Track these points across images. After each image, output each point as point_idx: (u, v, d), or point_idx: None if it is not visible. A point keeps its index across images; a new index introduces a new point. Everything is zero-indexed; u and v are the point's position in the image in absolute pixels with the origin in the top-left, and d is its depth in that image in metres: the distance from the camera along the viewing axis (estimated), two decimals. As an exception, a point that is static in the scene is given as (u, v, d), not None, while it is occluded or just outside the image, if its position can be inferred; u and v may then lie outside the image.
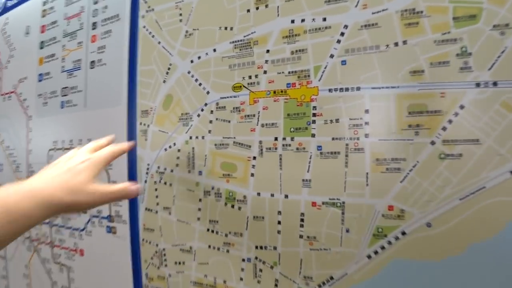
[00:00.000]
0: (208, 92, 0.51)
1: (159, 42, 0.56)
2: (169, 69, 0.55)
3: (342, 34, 0.42)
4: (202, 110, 0.51)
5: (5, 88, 0.85)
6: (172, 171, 0.54)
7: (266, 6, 0.47)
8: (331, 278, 0.42)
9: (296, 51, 0.45)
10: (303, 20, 0.45)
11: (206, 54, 0.51)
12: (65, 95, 0.69)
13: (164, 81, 0.55)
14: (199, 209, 0.51)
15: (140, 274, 0.58)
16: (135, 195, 0.40)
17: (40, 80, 0.75)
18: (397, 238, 0.39)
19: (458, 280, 0.37)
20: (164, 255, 0.54)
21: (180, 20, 0.54)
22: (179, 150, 0.53)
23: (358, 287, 0.41)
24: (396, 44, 0.40)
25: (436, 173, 0.38)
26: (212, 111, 0.50)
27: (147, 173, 0.57)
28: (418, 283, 0.38)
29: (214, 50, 0.50)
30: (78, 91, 0.66)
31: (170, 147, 0.54)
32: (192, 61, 0.52)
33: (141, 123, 0.57)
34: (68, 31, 0.70)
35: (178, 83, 0.54)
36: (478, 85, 0.36)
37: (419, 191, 0.38)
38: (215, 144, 0.50)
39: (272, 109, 0.46)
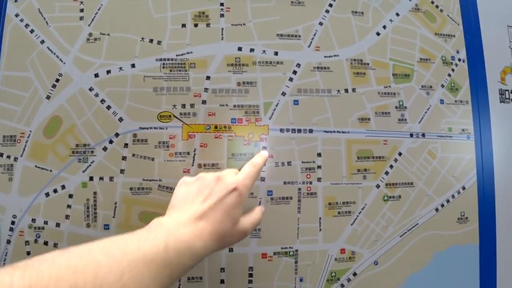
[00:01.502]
0: (121, 119, 0.37)
1: (42, 42, 0.38)
2: (57, 81, 0.37)
3: (295, 72, 0.39)
4: (111, 142, 0.36)
5: None
6: (58, 225, 0.37)
7: (208, 25, 0.39)
8: None
9: (244, 82, 0.38)
10: (252, 50, 0.39)
11: (120, 69, 0.37)
12: None
13: (48, 97, 0.37)
14: None
15: None
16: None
17: None
18: (349, 280, 0.38)
19: None
20: None
21: (81, 18, 0.38)
22: (71, 196, 0.36)
23: None
24: (346, 90, 0.39)
25: (381, 214, 0.39)
26: (126, 144, 0.36)
27: (11, 229, 0.37)
28: (369, 324, 0.39)
29: (133, 66, 0.37)
30: None
31: (55, 191, 0.36)
32: (97, 75, 0.37)
33: (1, 155, 0.38)
34: None
35: (72, 102, 0.37)
36: (411, 135, 0.40)
37: (367, 232, 0.39)
38: (131, 188, 0.36)
39: (212, 147, 0.37)
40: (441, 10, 0.43)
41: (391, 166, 0.39)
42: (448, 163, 0.41)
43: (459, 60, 0.43)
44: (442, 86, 0.42)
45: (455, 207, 0.41)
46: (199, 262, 0.26)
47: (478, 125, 0.42)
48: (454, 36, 0.43)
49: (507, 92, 0.44)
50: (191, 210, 0.27)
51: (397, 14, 0.42)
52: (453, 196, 0.41)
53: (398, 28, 0.41)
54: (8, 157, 0.37)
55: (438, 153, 0.41)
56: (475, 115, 0.42)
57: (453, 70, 0.42)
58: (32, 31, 0.39)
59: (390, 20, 0.42)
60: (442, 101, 0.41)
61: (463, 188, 0.41)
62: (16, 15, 0.39)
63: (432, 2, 0.43)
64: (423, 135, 0.40)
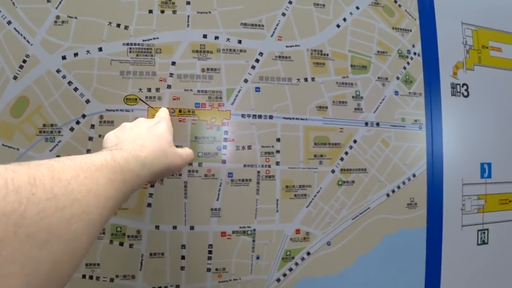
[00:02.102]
0: (88, 101, 0.39)
1: (9, 22, 0.39)
2: (24, 62, 0.39)
3: (257, 60, 0.42)
4: (78, 123, 0.39)
5: None
6: None
7: (174, 12, 0.41)
8: None
9: (208, 69, 0.41)
10: (216, 38, 0.41)
11: (88, 52, 0.39)
12: None
13: (15, 78, 0.39)
14: None
15: None
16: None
17: None
18: (303, 259, 0.42)
19: (352, 286, 0.43)
20: None
21: (48, 0, 0.40)
22: None
23: (267, 313, 0.42)
24: (306, 79, 0.42)
25: (335, 198, 0.43)
26: (93, 125, 0.39)
27: None
28: (320, 299, 0.43)
29: (100, 49, 0.39)
30: None
31: None
32: (64, 58, 0.39)
33: None
34: None
35: (39, 83, 0.39)
36: (366, 124, 0.44)
37: (322, 214, 0.42)
38: None
39: (176, 130, 0.39)
40: (399, 5, 0.47)
41: (346, 153, 0.43)
42: (400, 152, 0.45)
43: (415, 54, 0.47)
44: (397, 78, 0.45)
45: (405, 193, 0.45)
46: (153, 179, 0.31)
47: (429, 116, 0.47)
48: (410, 30, 0.47)
49: (458, 86, 0.48)
50: (129, 135, 0.31)
51: (357, 8, 0.45)
52: (403, 183, 0.45)
53: (357, 21, 0.45)
54: None
55: (391, 141, 0.45)
56: (427, 107, 0.47)
57: (408, 63, 0.46)
58: None
59: (350, 13, 0.45)
60: (396, 93, 0.45)
61: (414, 175, 0.45)
62: None
63: None
64: (378, 124, 0.44)
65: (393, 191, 0.44)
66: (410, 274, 0.45)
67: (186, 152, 0.35)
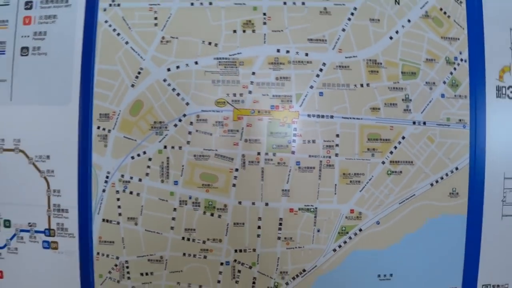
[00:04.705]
0: (187, 103, 0.57)
1: (126, 42, 0.59)
2: (139, 73, 0.58)
3: (321, 70, 0.57)
4: (180, 120, 0.58)
5: None
6: (140, 180, 0.58)
7: (253, 31, 0.58)
8: (304, 270, 0.57)
9: (281, 77, 0.57)
10: (288, 51, 0.58)
11: (187, 65, 0.58)
12: (-30, 82, 0.61)
13: (133, 86, 0.58)
14: (173, 219, 0.58)
15: (91, 291, 0.59)
16: None
17: None
18: (355, 234, 0.58)
19: (398, 261, 0.58)
20: (127, 267, 0.59)
21: (155, 24, 0.58)
22: (150, 159, 0.58)
23: (325, 276, 0.58)
24: (361, 85, 0.58)
25: (384, 185, 0.58)
26: (191, 122, 0.57)
27: (106, 182, 0.59)
28: (370, 267, 0.57)
29: (196, 63, 0.57)
30: (-2, 80, 0.61)
31: (138, 155, 0.58)
32: (169, 70, 0.58)
33: (98, 127, 0.59)
34: (-23, 2, 0.62)
35: (151, 90, 0.58)
36: (414, 123, 0.58)
37: (372, 198, 0.58)
38: (194, 155, 0.57)
39: (256, 127, 0.57)
40: (448, 16, 0.59)
41: (395, 147, 0.58)
42: (444, 147, 0.59)
43: (461, 60, 0.59)
44: (444, 82, 0.59)
45: (448, 184, 0.59)
46: None
47: (474, 117, 0.59)
48: (458, 39, 0.59)
49: (503, 88, 0.60)
50: None
51: (409, 21, 0.59)
52: (446, 175, 0.59)
53: (408, 33, 0.58)
54: (103, 129, 0.59)
55: (436, 138, 0.58)
56: (472, 108, 0.59)
57: (455, 69, 0.59)
58: (118, 34, 0.59)
59: (402, 26, 0.58)
60: (443, 95, 0.58)
61: (456, 168, 0.59)
62: (105, 21, 0.60)
63: (441, 9, 0.60)
64: (424, 123, 0.58)
65: (437, 181, 0.58)
66: (450, 255, 0.59)
67: None
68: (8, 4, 0.62)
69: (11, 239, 0.61)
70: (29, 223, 0.60)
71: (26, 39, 0.61)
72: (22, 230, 0.61)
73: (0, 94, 0.61)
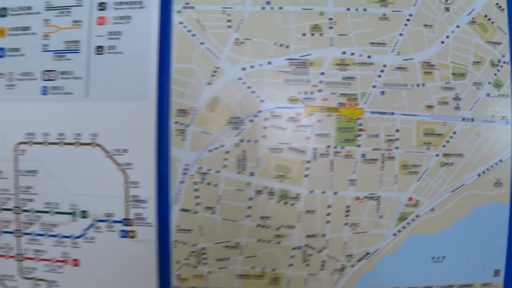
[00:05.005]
0: (262, 101, 0.63)
1: (201, 43, 0.63)
2: (215, 72, 0.63)
3: (382, 71, 0.64)
4: (256, 116, 0.63)
5: None
6: (218, 172, 0.63)
7: (321, 34, 0.64)
8: (367, 253, 0.64)
9: (347, 78, 0.64)
10: (352, 54, 0.64)
11: (260, 65, 0.63)
12: (49, 80, 0.64)
13: (210, 83, 0.63)
14: (249, 207, 0.63)
15: (168, 276, 0.63)
16: None
17: (1, 56, 0.66)
18: (413, 220, 0.65)
19: (448, 245, 0.65)
20: (204, 253, 0.63)
21: (229, 26, 0.63)
22: (227, 152, 0.63)
23: (387, 257, 0.65)
24: (418, 85, 0.65)
25: (438, 175, 0.65)
26: (266, 118, 0.63)
27: (184, 173, 0.63)
28: (425, 250, 0.65)
29: (269, 63, 0.63)
30: (74, 77, 0.63)
31: (216, 148, 0.63)
32: (244, 69, 0.63)
33: (176, 122, 0.63)
34: (55, 4, 0.64)
35: (227, 88, 0.63)
36: (463, 119, 0.65)
37: (428, 187, 0.65)
38: (270, 148, 0.63)
39: (325, 123, 0.63)
40: (492, 22, 0.67)
41: (447, 141, 0.65)
42: (489, 141, 0.67)
43: (504, 62, 0.67)
44: (489, 83, 0.67)
45: (493, 174, 0.67)
46: None
47: None
48: (501, 43, 0.67)
49: None
50: None
51: (458, 27, 0.66)
52: (492, 166, 0.67)
53: (457, 38, 0.66)
54: (181, 124, 0.63)
55: (482, 133, 0.66)
56: None
57: (498, 70, 0.67)
58: (193, 35, 0.64)
59: (452, 31, 0.66)
60: (488, 95, 0.66)
61: (500, 160, 0.67)
62: (180, 23, 0.64)
63: (485, 16, 0.68)
64: (472, 119, 0.66)
65: (483, 172, 0.66)
66: (494, 240, 0.67)
67: None
68: (81, 5, 0.66)
69: (87, 229, 0.65)
70: (106, 213, 0.64)
71: (100, 38, 0.65)
72: (99, 220, 0.65)
73: (76, 91, 0.65)
